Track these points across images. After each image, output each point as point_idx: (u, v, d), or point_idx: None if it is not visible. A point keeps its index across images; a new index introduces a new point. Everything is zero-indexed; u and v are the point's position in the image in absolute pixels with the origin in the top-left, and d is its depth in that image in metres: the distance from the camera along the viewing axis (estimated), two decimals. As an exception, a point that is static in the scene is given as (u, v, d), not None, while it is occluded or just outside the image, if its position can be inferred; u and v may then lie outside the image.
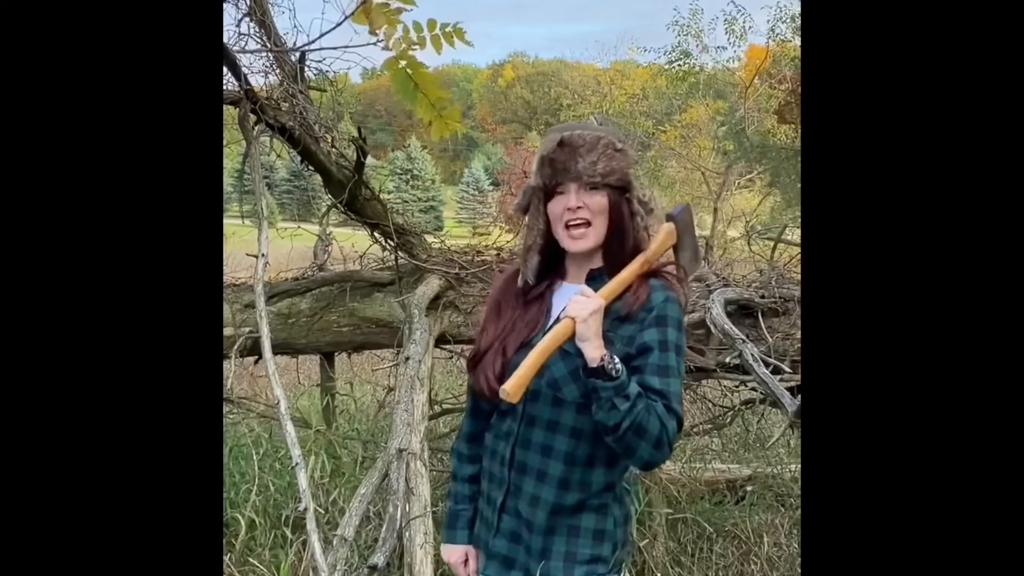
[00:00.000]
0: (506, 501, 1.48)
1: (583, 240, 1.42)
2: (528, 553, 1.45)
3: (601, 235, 1.43)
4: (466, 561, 1.58)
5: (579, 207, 1.40)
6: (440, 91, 1.99)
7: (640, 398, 1.31)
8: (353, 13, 1.84)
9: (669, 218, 1.50)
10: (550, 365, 1.41)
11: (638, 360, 1.36)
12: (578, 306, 1.34)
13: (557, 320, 1.41)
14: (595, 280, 1.44)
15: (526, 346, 1.45)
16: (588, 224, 1.41)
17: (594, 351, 1.31)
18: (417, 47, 1.86)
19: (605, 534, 1.44)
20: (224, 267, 2.48)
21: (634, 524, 1.57)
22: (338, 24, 2.03)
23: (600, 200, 1.41)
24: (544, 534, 1.43)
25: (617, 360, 1.31)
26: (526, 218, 1.50)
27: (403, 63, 1.89)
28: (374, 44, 1.86)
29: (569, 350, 1.36)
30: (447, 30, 1.88)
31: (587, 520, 1.43)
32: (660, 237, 1.48)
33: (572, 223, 1.41)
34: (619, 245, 1.43)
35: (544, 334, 1.45)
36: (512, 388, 1.34)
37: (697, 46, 12.48)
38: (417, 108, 2.00)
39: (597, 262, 1.46)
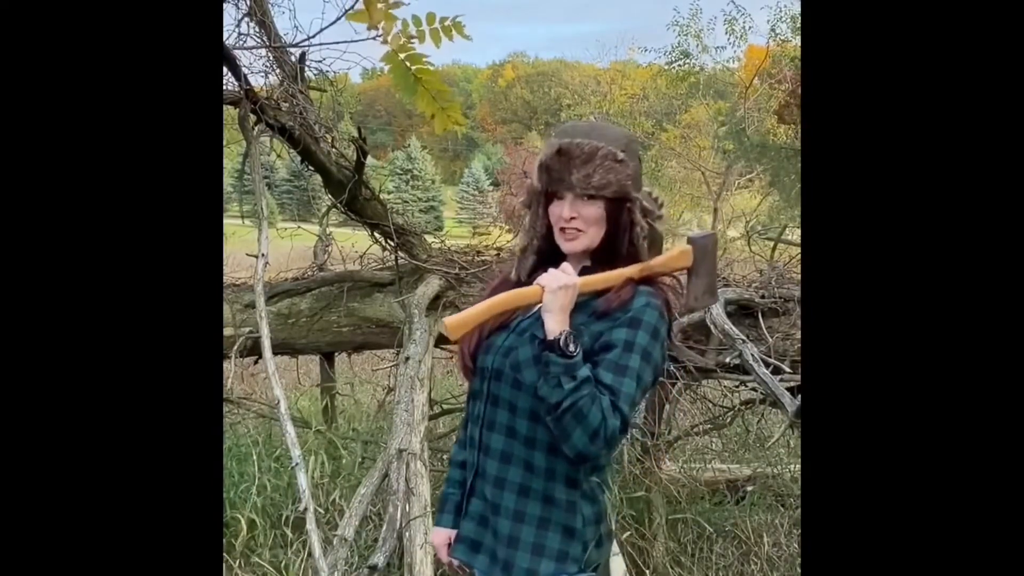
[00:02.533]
0: (474, 483, 1.48)
1: (576, 242, 1.43)
2: (495, 537, 1.44)
3: (596, 240, 1.43)
4: (450, 545, 1.58)
5: (573, 217, 1.41)
6: (441, 84, 1.99)
7: (587, 383, 1.30)
8: (350, 9, 1.84)
9: (689, 241, 1.48)
10: (517, 347, 1.41)
11: (599, 355, 1.35)
12: (551, 277, 1.35)
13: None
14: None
15: (504, 327, 1.45)
16: (582, 231, 1.42)
17: (554, 324, 1.32)
18: (416, 40, 1.87)
19: (575, 532, 1.43)
20: (224, 267, 2.48)
21: (612, 522, 1.56)
22: (337, 19, 2.03)
23: (595, 211, 1.41)
24: (512, 519, 1.42)
25: (575, 339, 1.31)
26: (528, 216, 1.51)
27: (403, 56, 1.89)
28: (374, 39, 1.86)
29: (538, 334, 1.36)
30: (446, 24, 1.88)
31: (556, 514, 1.42)
32: (672, 253, 1.47)
33: (566, 229, 1.43)
34: (609, 253, 1.44)
35: (526, 317, 1.45)
36: (452, 323, 1.34)
37: (698, 46, 12.49)
38: (418, 102, 2.00)
39: (589, 262, 1.47)
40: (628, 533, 2.73)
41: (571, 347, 1.30)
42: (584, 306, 1.39)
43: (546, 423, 1.37)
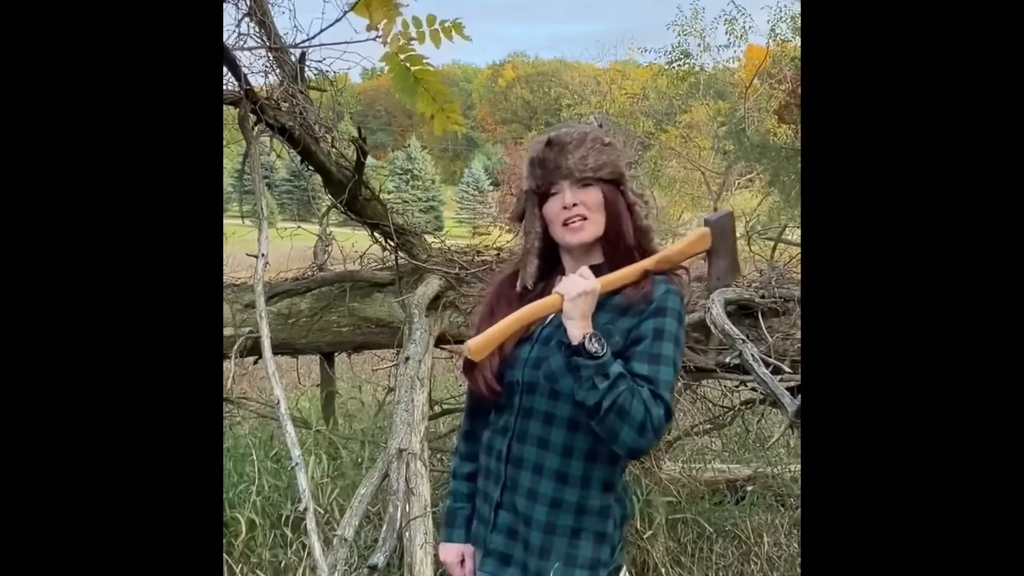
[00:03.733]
0: (503, 497, 1.46)
1: (582, 232, 1.41)
2: (526, 549, 1.42)
3: (600, 228, 1.42)
4: (463, 561, 1.57)
5: (575, 204, 1.39)
6: (441, 85, 1.99)
7: (622, 379, 1.29)
8: (354, 7, 1.84)
9: (706, 223, 1.47)
10: (547, 357, 1.40)
11: (631, 349, 1.35)
12: (570, 284, 1.33)
13: (556, 320, 1.40)
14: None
15: (527, 339, 1.44)
16: (585, 219, 1.41)
17: (577, 330, 1.31)
18: (416, 41, 1.87)
19: (606, 537, 1.42)
20: (224, 267, 2.48)
21: (637, 522, 1.56)
22: (338, 20, 2.04)
23: (595, 195, 1.40)
24: (544, 531, 1.41)
25: (600, 339, 1.30)
26: (523, 224, 1.49)
27: (403, 57, 1.89)
28: (374, 40, 1.86)
29: (564, 341, 1.35)
30: (446, 25, 1.88)
31: (589, 521, 1.41)
32: (690, 239, 1.46)
33: (569, 220, 1.41)
34: (617, 237, 1.42)
35: (545, 326, 1.44)
36: (475, 346, 1.33)
37: (699, 46, 12.49)
38: (418, 103, 2.00)
39: (597, 258, 1.45)
40: (640, 536, 2.73)
41: (596, 347, 1.29)
42: (605, 304, 1.37)
43: (586, 430, 1.37)
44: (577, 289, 1.32)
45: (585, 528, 1.41)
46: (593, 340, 1.30)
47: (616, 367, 1.30)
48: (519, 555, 1.44)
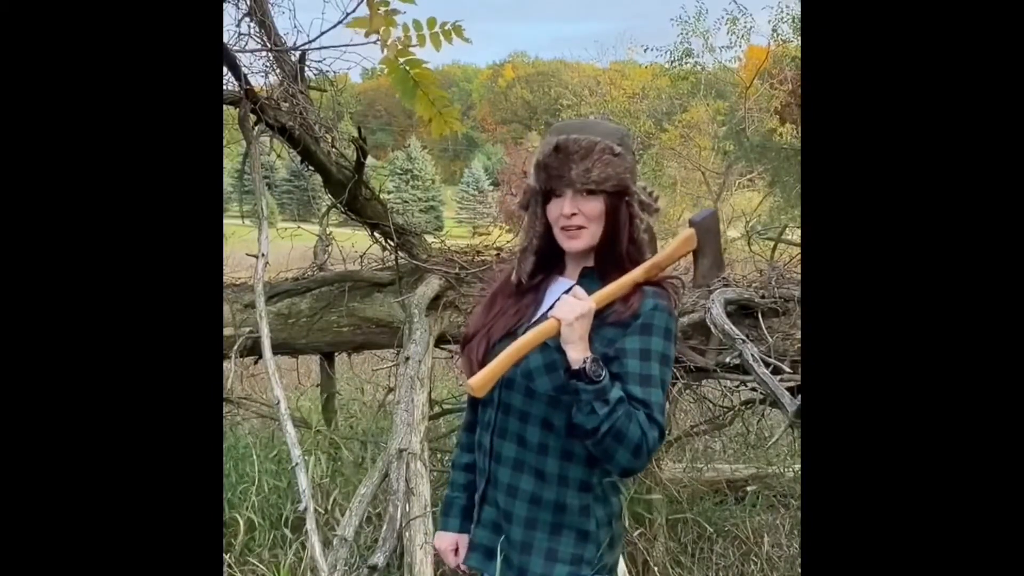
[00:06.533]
0: (487, 491, 1.48)
1: (578, 240, 1.42)
2: (509, 544, 1.44)
3: (596, 237, 1.42)
4: (456, 550, 1.58)
5: (574, 214, 1.40)
6: (440, 90, 2.00)
7: (621, 403, 1.30)
8: (351, 12, 1.84)
9: (691, 223, 1.47)
10: (526, 355, 1.41)
11: (617, 366, 1.35)
12: (566, 308, 1.33)
13: (544, 317, 1.40)
14: (586, 278, 1.44)
15: (511, 335, 1.45)
16: (583, 228, 1.41)
17: (576, 353, 1.31)
18: (416, 46, 1.87)
19: (588, 535, 1.43)
20: (224, 267, 2.48)
21: (625, 522, 1.56)
22: (337, 23, 2.04)
23: (596, 206, 1.40)
24: (525, 526, 1.43)
25: (599, 362, 1.31)
26: (527, 217, 1.50)
27: (402, 61, 1.89)
28: (374, 43, 1.87)
29: (548, 343, 1.36)
30: (446, 28, 1.88)
31: (569, 519, 1.42)
32: (676, 243, 1.46)
33: (567, 227, 1.41)
34: (611, 248, 1.43)
35: (530, 326, 1.44)
36: (477, 383, 1.33)
37: (703, 45, 12.49)
38: (417, 106, 2.00)
39: (591, 261, 1.46)
40: (630, 533, 2.73)
41: (598, 372, 1.30)
42: (595, 315, 1.38)
43: (559, 431, 1.39)
44: (574, 313, 1.32)
45: (566, 525, 1.43)
46: (593, 364, 1.30)
47: (616, 392, 1.31)
48: (503, 548, 1.46)
